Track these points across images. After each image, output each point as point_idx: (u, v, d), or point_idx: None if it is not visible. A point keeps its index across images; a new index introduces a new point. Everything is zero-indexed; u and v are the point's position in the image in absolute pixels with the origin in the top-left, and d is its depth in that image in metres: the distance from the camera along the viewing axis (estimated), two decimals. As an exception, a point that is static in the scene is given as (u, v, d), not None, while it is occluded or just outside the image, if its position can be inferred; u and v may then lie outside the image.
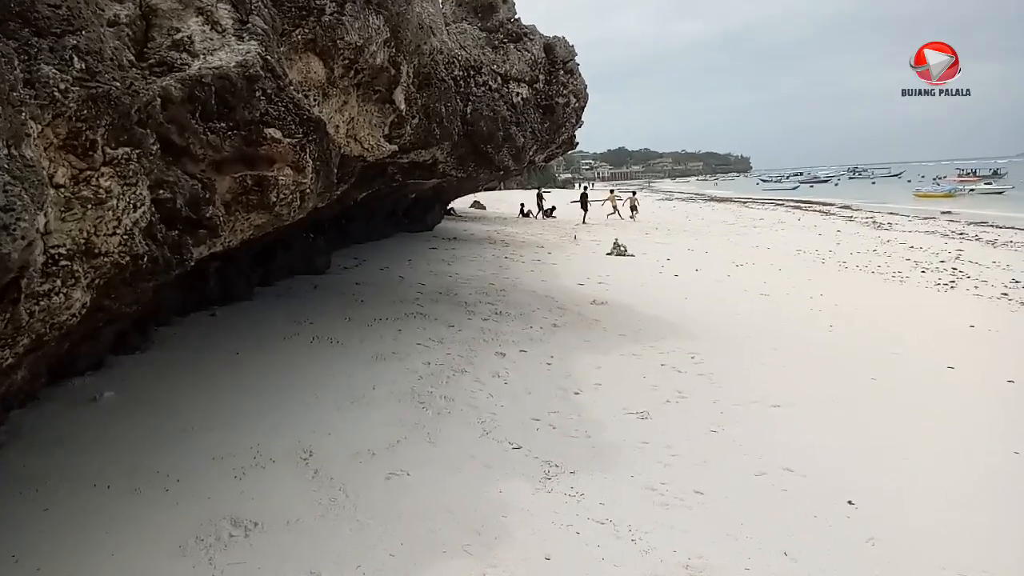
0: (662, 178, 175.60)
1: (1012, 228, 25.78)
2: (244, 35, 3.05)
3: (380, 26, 4.31)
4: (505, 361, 6.75)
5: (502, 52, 7.66)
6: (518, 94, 7.74)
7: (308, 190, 3.45)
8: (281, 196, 3.26)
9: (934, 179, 75.23)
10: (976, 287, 13.04)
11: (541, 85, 8.29)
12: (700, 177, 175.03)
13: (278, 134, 3.13)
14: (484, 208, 36.82)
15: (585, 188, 34.87)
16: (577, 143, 11.63)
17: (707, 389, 6.42)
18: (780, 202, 52.58)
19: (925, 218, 32.70)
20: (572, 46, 9.06)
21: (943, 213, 35.75)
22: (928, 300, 11.89)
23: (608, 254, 17.89)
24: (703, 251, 19.49)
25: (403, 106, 5.00)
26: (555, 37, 8.90)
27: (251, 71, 2.99)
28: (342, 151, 4.43)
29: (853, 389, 6.68)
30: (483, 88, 7.12)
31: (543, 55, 8.36)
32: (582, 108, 9.65)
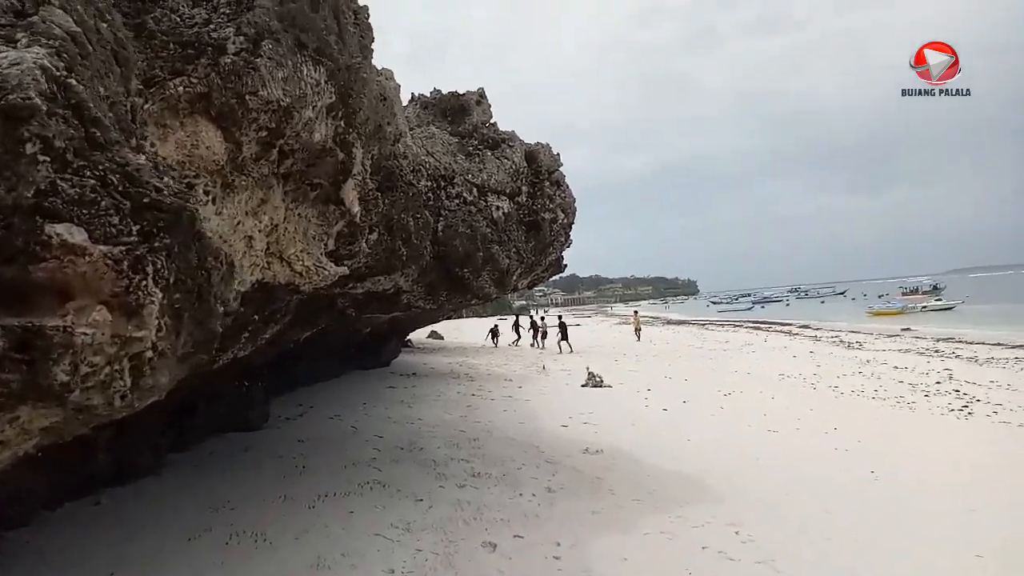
0: (613, 302, 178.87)
1: (983, 344, 25.46)
2: (20, 36, 1.63)
3: (320, 82, 2.93)
4: (497, 557, 4.95)
5: (477, 160, 6.51)
6: (498, 208, 6.52)
7: (153, 354, 1.88)
8: (84, 370, 1.69)
9: (879, 296, 77.62)
10: (995, 412, 11.87)
11: (524, 198, 7.13)
12: (651, 301, 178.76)
13: (77, 235, 1.62)
14: (442, 338, 35.28)
15: (531, 316, 34.07)
16: (565, 265, 10.43)
17: (774, 584, 4.73)
18: (738, 323, 52.61)
19: (889, 336, 32.48)
20: (557, 155, 8.01)
21: (904, 330, 35.76)
22: (955, 431, 10.59)
23: (583, 385, 16.38)
24: (682, 379, 18.16)
25: (356, 209, 3.56)
26: (538, 144, 7.87)
27: (16, 96, 1.52)
28: (255, 277, 2.92)
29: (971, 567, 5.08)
30: (457, 201, 5.86)
31: (525, 164, 7.25)
32: (570, 225, 8.50)
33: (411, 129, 5.95)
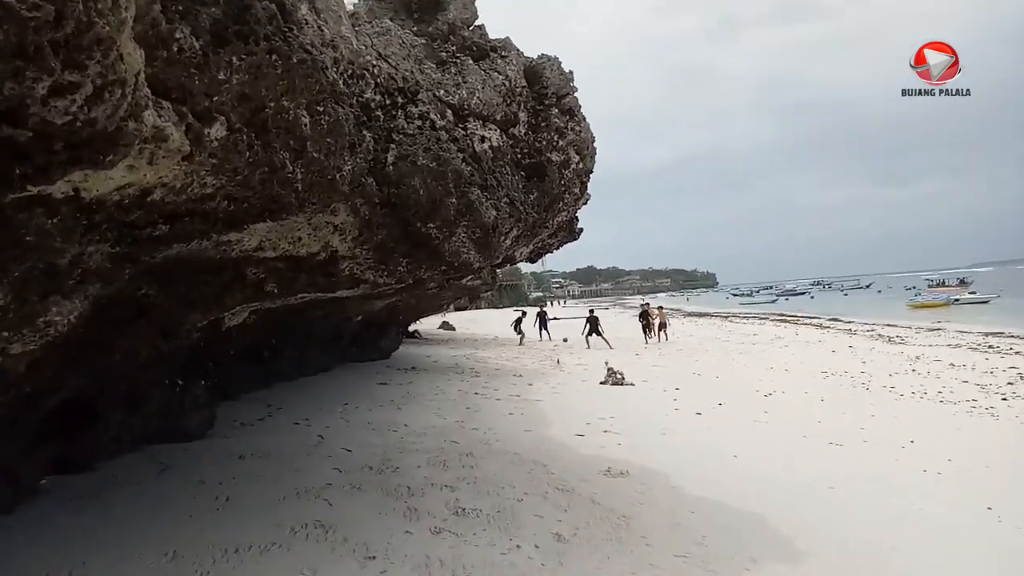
0: (632, 294, 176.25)
1: (1040, 339, 23.21)
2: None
3: None
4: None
5: (454, 72, 4.59)
6: (484, 140, 4.62)
7: None
8: None
9: (907, 289, 74.68)
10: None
11: (522, 130, 5.21)
12: (670, 293, 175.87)
13: None
14: (454, 329, 33.51)
15: (541, 309, 30.00)
16: (581, 230, 8.41)
17: None
18: (763, 316, 50.33)
19: (930, 330, 30.13)
20: (569, 72, 6.07)
21: (939, 324, 33.43)
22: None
23: (602, 383, 14.48)
24: (712, 376, 16.23)
25: (135, 67, 1.72)
26: (543, 56, 5.86)
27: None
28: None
29: None
30: (418, 123, 3.97)
31: (523, 83, 5.27)
32: (588, 172, 6.52)
33: (358, 26, 4.07)
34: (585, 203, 7.00)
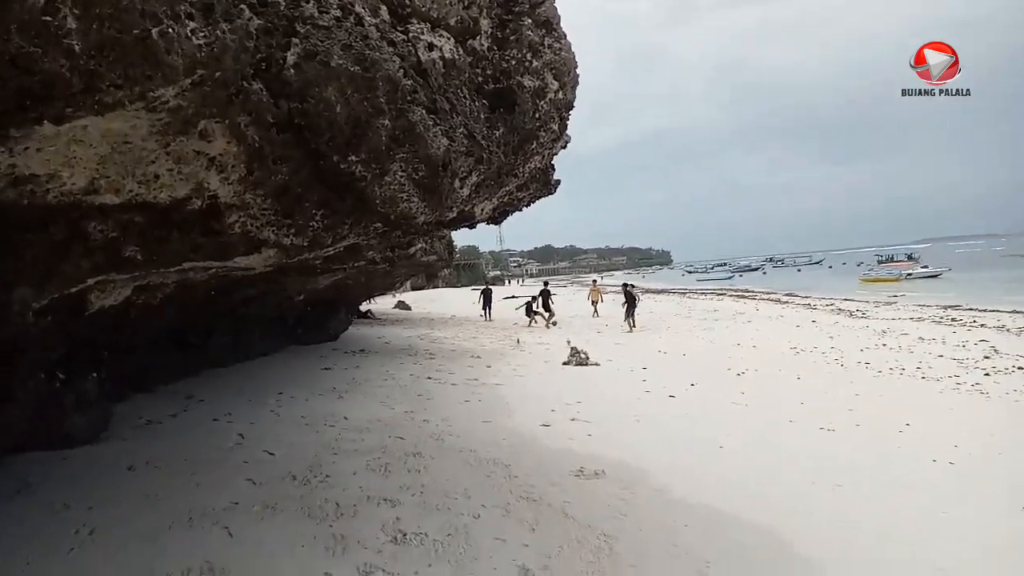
0: (588, 273, 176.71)
1: (995, 311, 23.17)
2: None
3: None
4: None
5: (391, -44, 3.42)
6: (433, 49, 3.39)
7: None
8: None
9: (858, 264, 76.16)
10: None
11: (485, 43, 3.96)
12: (626, 271, 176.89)
13: None
14: (409, 308, 32.20)
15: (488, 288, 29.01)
16: (558, 182, 7.17)
17: None
18: (720, 292, 50.23)
19: (887, 304, 30.16)
20: None
21: (893, 297, 33.71)
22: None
23: (565, 363, 13.55)
24: (679, 354, 15.44)
25: None
26: None
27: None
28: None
29: None
30: (336, 14, 2.74)
31: None
32: (570, 105, 5.28)
33: None
34: (564, 147, 5.76)
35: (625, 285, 22.77)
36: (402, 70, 2.97)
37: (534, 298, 24.02)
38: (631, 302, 21.74)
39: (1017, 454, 6.53)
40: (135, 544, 3.77)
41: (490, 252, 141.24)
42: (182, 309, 8.47)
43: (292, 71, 2.56)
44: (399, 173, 3.24)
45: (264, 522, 4.22)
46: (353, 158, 2.95)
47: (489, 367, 12.76)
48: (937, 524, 4.76)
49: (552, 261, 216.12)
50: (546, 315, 23.29)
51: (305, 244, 3.42)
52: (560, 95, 4.83)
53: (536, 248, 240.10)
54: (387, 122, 2.94)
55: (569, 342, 15.40)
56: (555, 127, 4.98)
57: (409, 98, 3.04)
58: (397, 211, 3.38)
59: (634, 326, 21.17)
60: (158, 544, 3.77)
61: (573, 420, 8.08)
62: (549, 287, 25.47)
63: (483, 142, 3.82)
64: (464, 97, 3.64)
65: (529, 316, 23.42)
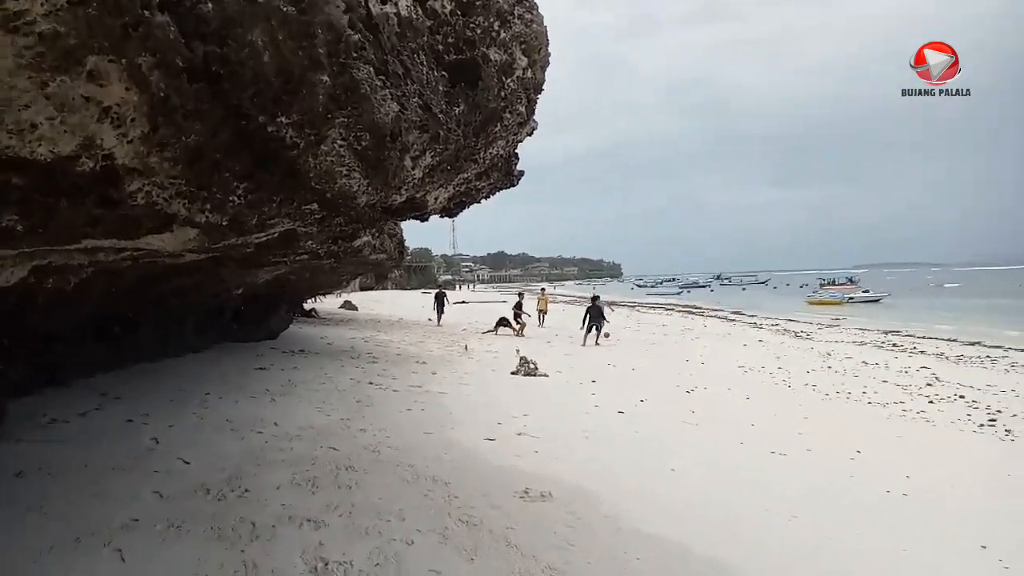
0: (539, 281, 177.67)
1: (934, 339, 23.94)
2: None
3: None
4: None
5: None
6: (386, 1, 2.93)
7: None
8: None
9: (801, 287, 78.51)
10: (1029, 427, 9.44)
11: (447, 6, 3.52)
12: (576, 281, 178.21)
13: None
14: (356, 309, 31.35)
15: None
16: (521, 173, 6.75)
17: None
18: (669, 307, 50.87)
19: (829, 326, 30.94)
20: None
21: (836, 320, 34.78)
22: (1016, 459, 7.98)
23: (513, 373, 13.17)
24: (628, 368, 15.26)
25: None
26: None
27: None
28: None
29: None
30: None
31: None
32: (538, 86, 4.86)
33: None
34: (530, 133, 5.34)
35: (595, 299, 21.18)
36: (348, 18, 2.52)
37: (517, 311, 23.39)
38: (598, 317, 20.33)
39: (968, 487, 6.48)
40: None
41: (442, 256, 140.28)
42: (106, 297, 7.78)
43: (209, 4, 2.11)
44: (338, 142, 2.79)
45: (166, 544, 3.69)
46: (283, 120, 2.50)
47: (434, 374, 12.28)
48: (899, 566, 4.55)
49: (504, 268, 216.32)
50: (516, 326, 22.68)
51: (224, 223, 2.93)
52: (529, 74, 4.44)
53: (489, 254, 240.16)
54: (326, 78, 2.49)
55: (518, 351, 15.10)
56: (522, 109, 4.59)
57: (355, 54, 2.60)
58: (335, 188, 2.92)
59: (597, 343, 20.05)
60: (28, 571, 3.21)
61: (520, 434, 7.70)
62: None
63: (440, 116, 3.39)
64: (421, 63, 3.21)
65: (519, 323, 22.69)
